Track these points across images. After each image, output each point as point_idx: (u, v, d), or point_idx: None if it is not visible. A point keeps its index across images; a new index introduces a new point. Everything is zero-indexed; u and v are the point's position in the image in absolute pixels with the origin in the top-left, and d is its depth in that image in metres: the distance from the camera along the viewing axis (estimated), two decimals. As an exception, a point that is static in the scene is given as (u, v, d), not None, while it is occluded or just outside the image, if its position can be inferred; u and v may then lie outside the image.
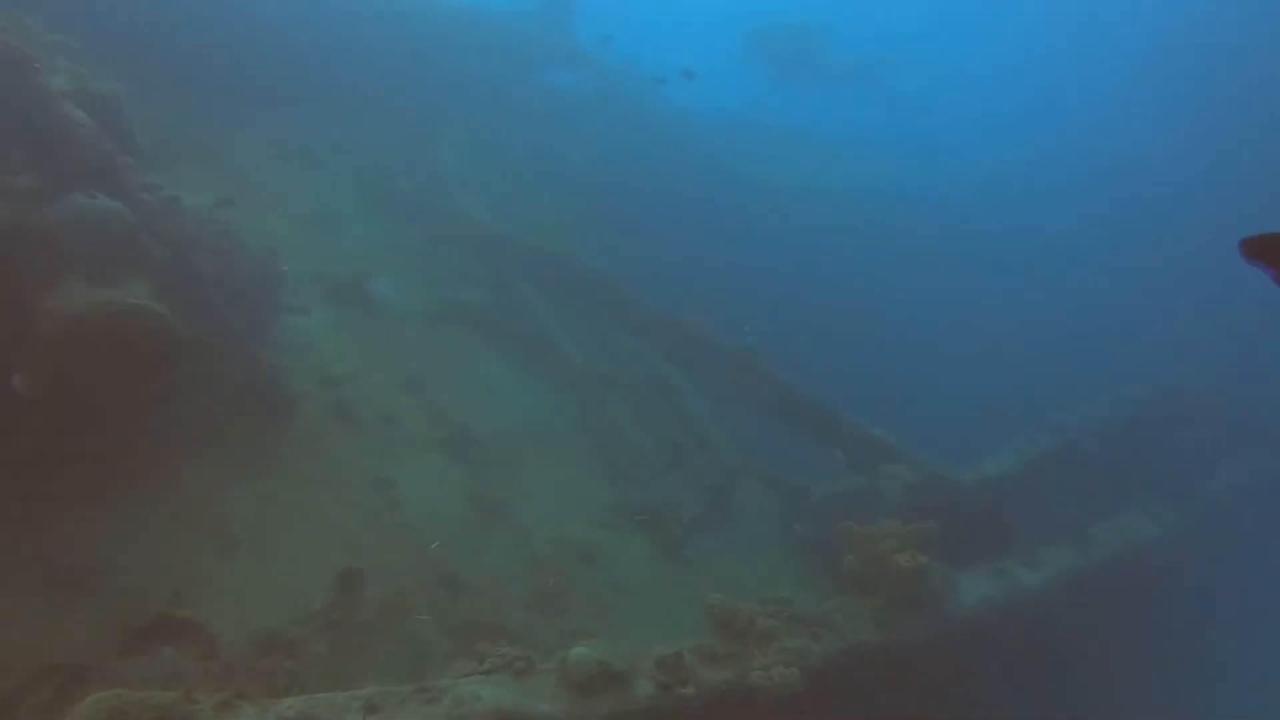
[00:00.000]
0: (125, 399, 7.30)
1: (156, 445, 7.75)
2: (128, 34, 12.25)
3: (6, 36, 6.88)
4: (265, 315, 9.62)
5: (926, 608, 6.79)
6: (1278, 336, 14.36)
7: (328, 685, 5.29)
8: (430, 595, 7.81)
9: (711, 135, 21.55)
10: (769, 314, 13.36)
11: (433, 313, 12.28)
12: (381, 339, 11.37)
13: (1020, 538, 9.16)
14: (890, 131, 28.80)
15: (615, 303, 12.21)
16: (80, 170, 6.78)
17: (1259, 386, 13.44)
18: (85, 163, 6.85)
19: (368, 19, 16.55)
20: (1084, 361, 15.12)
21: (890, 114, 34.70)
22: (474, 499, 9.29)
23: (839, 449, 10.29)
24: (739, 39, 33.26)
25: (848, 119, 30.75)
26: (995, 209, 22.44)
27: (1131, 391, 12.87)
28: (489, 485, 9.57)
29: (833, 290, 17.06)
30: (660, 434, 11.62)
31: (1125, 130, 27.67)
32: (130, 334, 6.64)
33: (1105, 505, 10.70)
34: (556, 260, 12.44)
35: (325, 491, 8.41)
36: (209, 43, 13.70)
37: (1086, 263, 19.72)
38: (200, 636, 6.24)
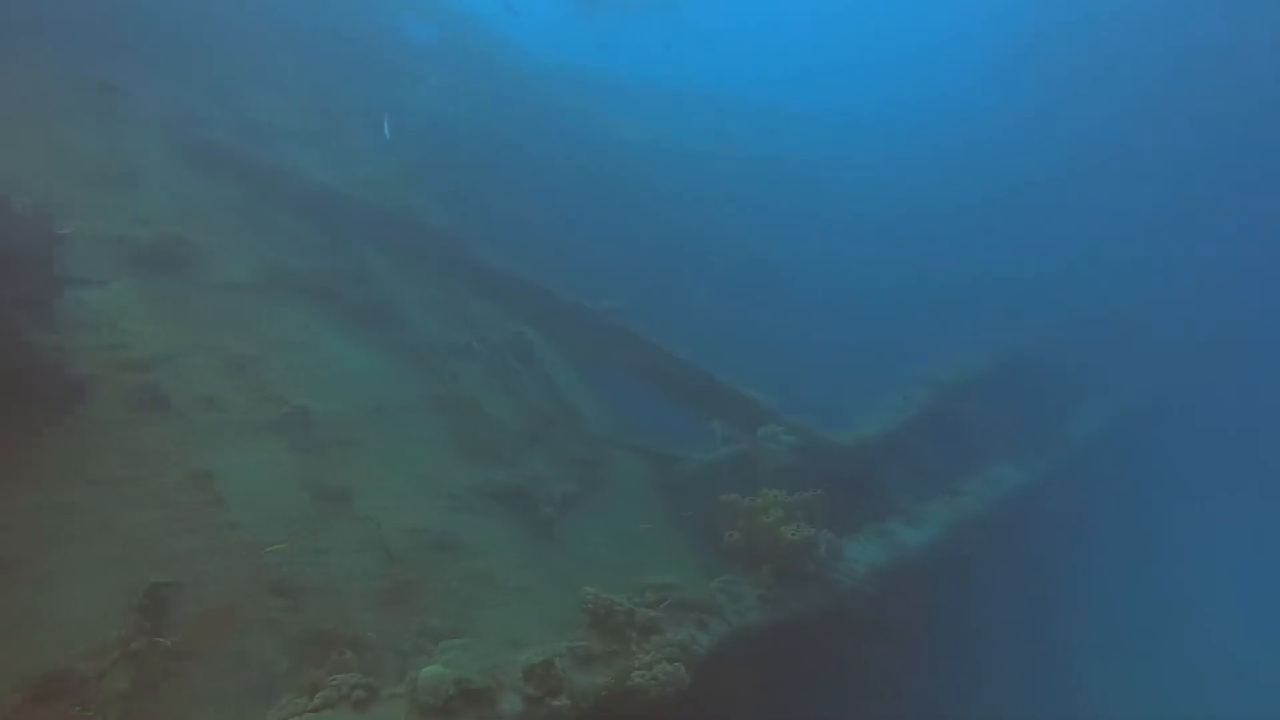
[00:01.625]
0: None
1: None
2: None
3: None
4: (42, 289, 8.07)
5: (816, 579, 6.45)
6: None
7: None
8: (265, 606, 6.78)
9: (558, 87, 20.48)
10: (631, 277, 12.77)
11: (259, 281, 10.88)
12: (198, 312, 9.94)
13: (900, 496, 9.06)
14: (709, 77, 28.21)
15: (467, 266, 11.20)
16: None
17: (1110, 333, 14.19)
18: None
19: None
20: (951, 318, 15.47)
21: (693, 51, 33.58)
22: (313, 489, 8.21)
23: (716, 421, 9.84)
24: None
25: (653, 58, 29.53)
26: (847, 166, 22.63)
27: (999, 340, 13.20)
28: (330, 472, 8.51)
29: (696, 248, 16.63)
30: (522, 406, 10.82)
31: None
32: None
33: (978, 457, 10.85)
34: (399, 219, 11.26)
35: (126, 492, 7.14)
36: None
37: (947, 221, 20.22)
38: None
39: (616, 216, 16.06)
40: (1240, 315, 19.05)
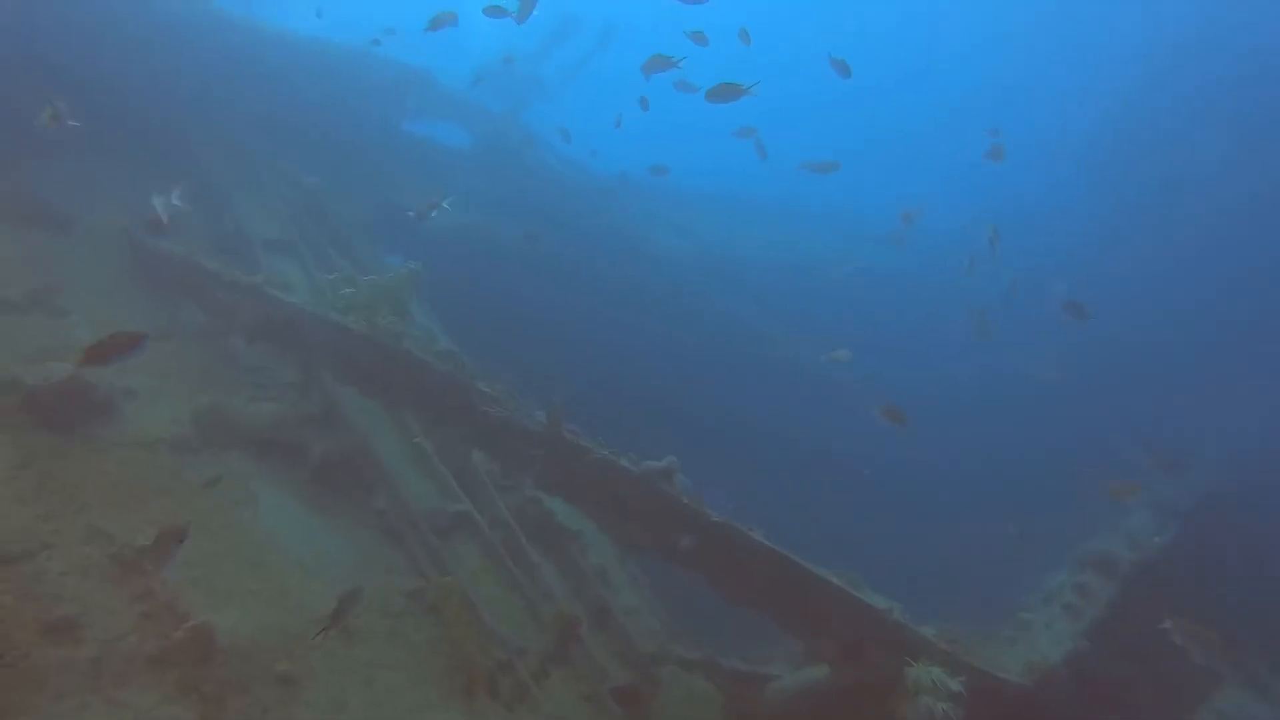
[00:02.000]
0: None
1: None
2: None
3: None
4: None
5: None
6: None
7: None
8: None
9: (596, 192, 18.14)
10: (683, 424, 9.76)
11: (189, 436, 8.12)
12: (88, 485, 7.15)
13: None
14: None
15: (470, 409, 8.28)
16: None
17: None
18: None
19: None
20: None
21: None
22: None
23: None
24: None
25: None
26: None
27: (1171, 497, 9.71)
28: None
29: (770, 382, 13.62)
30: (537, 607, 7.66)
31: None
32: None
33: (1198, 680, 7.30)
34: (385, 348, 8.50)
35: None
36: None
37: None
38: None
39: (663, 345, 13.23)
40: None
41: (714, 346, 14.70)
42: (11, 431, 7.36)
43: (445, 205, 10.31)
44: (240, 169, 12.53)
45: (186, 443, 8.04)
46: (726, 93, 9.82)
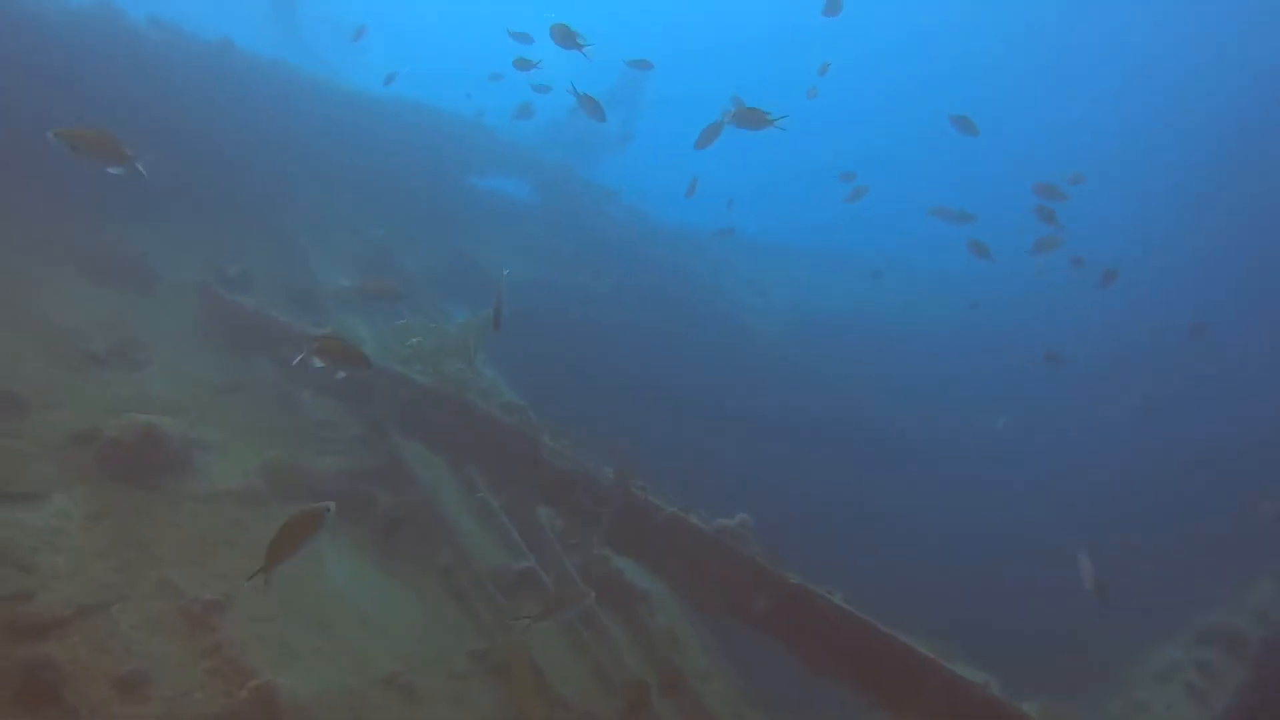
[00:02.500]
0: None
1: None
2: None
3: None
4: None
5: None
6: None
7: None
8: None
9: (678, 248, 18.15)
10: (766, 486, 9.43)
11: (257, 489, 8.13)
12: (158, 537, 7.16)
13: None
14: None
15: (539, 464, 8.14)
16: None
17: None
18: None
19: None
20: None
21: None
22: None
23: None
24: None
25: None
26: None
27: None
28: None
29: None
30: (609, 673, 7.35)
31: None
32: None
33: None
34: (452, 402, 8.45)
35: None
36: None
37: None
38: None
39: (746, 404, 12.97)
40: None
41: (796, 408, 14.36)
42: (89, 483, 7.45)
43: (505, 274, 10.36)
44: (313, 223, 12.86)
45: (256, 496, 8.04)
46: (751, 119, 8.77)
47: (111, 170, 6.43)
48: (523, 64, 11.49)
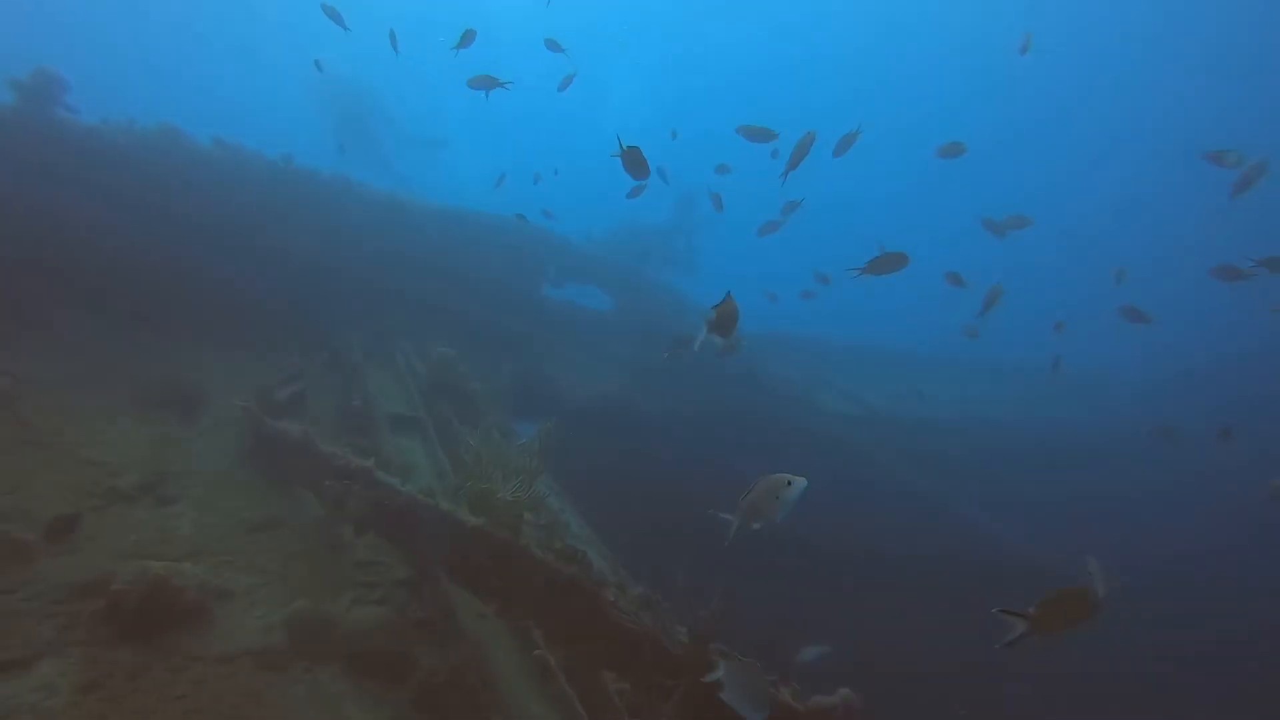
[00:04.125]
0: None
1: None
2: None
3: None
4: None
5: None
6: None
7: None
8: None
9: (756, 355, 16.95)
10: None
11: (281, 649, 6.98)
12: (153, 710, 6.05)
13: None
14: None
15: (600, 624, 6.77)
16: None
17: None
18: None
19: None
20: None
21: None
22: None
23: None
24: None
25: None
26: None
27: None
28: None
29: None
30: None
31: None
32: None
33: None
34: (501, 546, 7.23)
35: None
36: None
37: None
38: None
39: (838, 534, 11.42)
40: None
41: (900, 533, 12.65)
42: (87, 644, 6.47)
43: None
44: (373, 342, 12.21)
45: (275, 658, 6.89)
46: (798, 155, 9.21)
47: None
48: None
